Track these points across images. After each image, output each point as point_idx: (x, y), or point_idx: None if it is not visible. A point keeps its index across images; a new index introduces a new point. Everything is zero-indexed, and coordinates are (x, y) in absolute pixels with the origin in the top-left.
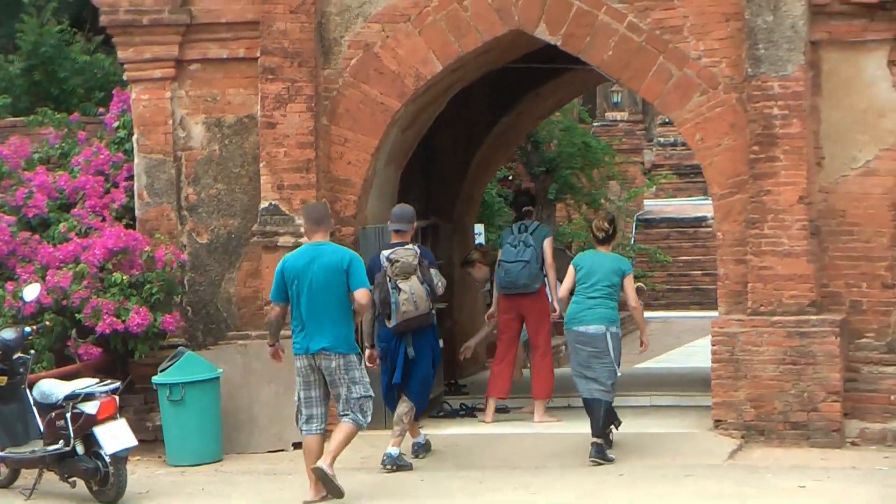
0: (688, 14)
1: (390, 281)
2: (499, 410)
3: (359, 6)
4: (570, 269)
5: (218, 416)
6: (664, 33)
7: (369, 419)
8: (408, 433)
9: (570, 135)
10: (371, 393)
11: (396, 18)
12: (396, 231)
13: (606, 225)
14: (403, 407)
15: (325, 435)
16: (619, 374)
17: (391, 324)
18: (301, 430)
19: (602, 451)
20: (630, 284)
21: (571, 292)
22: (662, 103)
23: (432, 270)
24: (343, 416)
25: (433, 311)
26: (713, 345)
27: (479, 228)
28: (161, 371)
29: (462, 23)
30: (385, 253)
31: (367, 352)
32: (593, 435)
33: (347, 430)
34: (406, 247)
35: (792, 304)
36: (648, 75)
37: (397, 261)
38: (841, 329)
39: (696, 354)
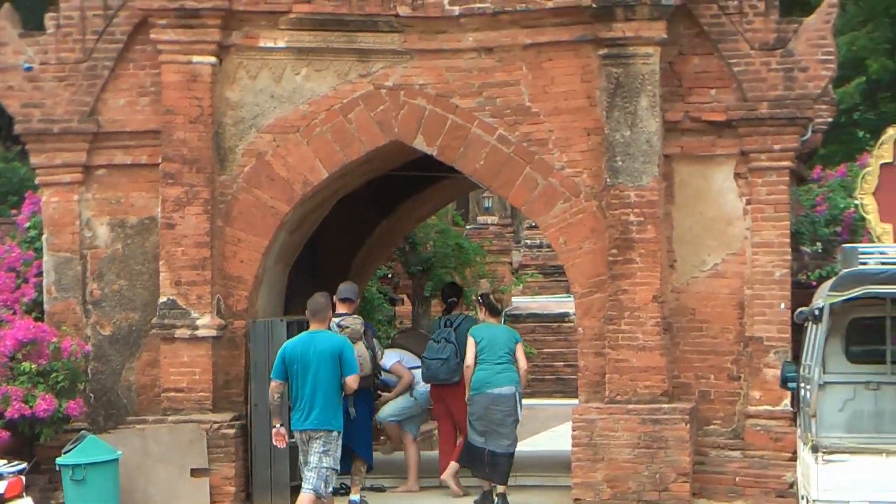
0: (552, 128)
1: None
2: (375, 489)
3: (252, 118)
4: (471, 340)
5: (117, 495)
6: (531, 145)
7: (330, 490)
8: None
9: (444, 237)
10: (337, 467)
11: (287, 129)
12: (344, 301)
13: (501, 296)
14: (357, 465)
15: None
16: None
17: None
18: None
19: (506, 500)
20: (521, 351)
21: (475, 360)
22: (529, 209)
23: (374, 340)
24: (305, 487)
25: (372, 375)
26: (574, 430)
27: None
28: (65, 453)
29: (346, 134)
30: (336, 321)
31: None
32: (499, 482)
33: (305, 501)
34: (353, 316)
35: (646, 393)
36: (516, 183)
37: (347, 327)
38: (691, 416)
39: (558, 438)
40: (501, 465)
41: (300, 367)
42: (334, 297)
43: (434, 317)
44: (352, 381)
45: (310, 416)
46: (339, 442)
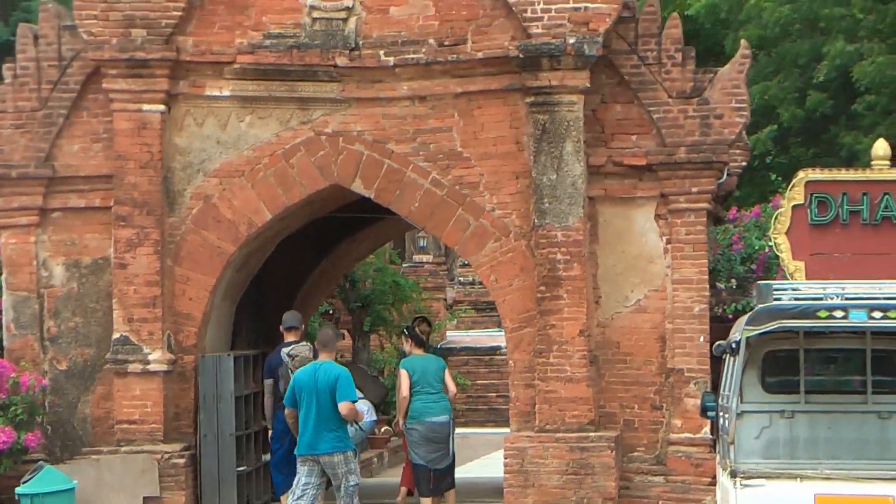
0: (483, 172)
1: (291, 372)
2: None
3: (199, 163)
4: (404, 372)
5: None
6: (463, 188)
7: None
8: None
9: (382, 274)
10: (360, 481)
11: (232, 174)
12: (290, 329)
13: (427, 327)
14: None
15: None
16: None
17: None
18: None
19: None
20: (449, 376)
21: (410, 391)
22: (462, 248)
23: None
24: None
25: None
26: (505, 458)
27: None
28: (23, 483)
29: (288, 178)
30: (285, 350)
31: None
32: (446, 490)
33: None
34: (301, 343)
35: (573, 422)
36: (449, 224)
37: (297, 355)
38: (616, 444)
39: (491, 466)
40: (444, 478)
41: (306, 396)
42: (280, 328)
43: (374, 350)
44: (342, 407)
45: (311, 443)
46: (356, 460)
